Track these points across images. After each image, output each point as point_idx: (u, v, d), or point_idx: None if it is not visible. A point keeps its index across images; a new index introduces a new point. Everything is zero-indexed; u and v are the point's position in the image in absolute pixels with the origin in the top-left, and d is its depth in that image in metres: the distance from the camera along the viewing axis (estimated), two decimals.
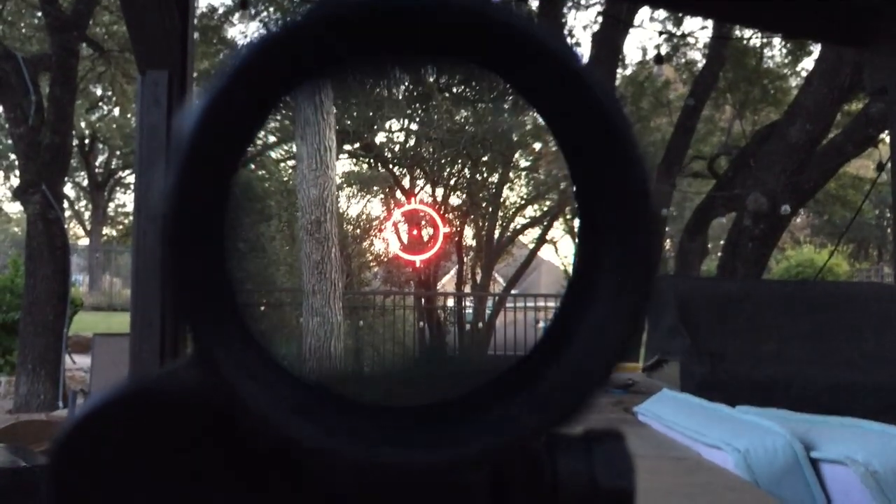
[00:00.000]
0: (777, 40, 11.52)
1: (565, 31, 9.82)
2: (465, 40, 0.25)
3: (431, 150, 11.39)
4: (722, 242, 10.61)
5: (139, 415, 0.31)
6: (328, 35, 0.25)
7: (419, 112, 11.49)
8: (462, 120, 11.14)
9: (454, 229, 11.23)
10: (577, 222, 0.28)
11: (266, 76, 0.25)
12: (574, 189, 0.27)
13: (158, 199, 0.24)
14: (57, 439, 0.30)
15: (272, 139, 11.12)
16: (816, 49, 8.71)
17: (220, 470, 0.31)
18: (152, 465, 0.31)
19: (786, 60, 12.73)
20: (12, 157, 15.79)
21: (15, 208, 21.97)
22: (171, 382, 0.33)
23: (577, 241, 0.28)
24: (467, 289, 11.41)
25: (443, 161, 11.54)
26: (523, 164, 11.98)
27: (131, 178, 20.95)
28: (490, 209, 11.79)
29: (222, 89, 0.25)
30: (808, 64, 11.71)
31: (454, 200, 11.93)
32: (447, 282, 13.76)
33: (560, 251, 14.21)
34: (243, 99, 0.25)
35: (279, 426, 0.25)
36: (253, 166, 10.84)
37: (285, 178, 10.69)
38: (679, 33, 12.08)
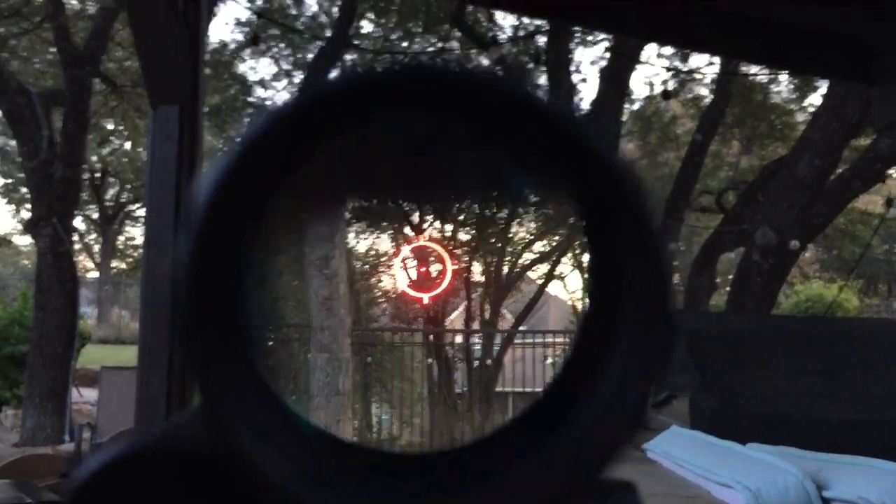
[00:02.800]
0: (784, 76, 11.57)
1: (571, 68, 9.89)
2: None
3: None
4: (731, 277, 10.57)
5: (146, 472, 0.30)
6: (344, 108, 0.25)
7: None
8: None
9: (462, 266, 11.24)
10: (590, 286, 0.28)
11: (279, 149, 0.26)
12: (589, 251, 0.27)
13: (176, 260, 0.25)
14: (67, 496, 0.30)
15: None
16: (824, 84, 8.75)
17: None
18: None
19: (793, 96, 12.78)
20: (23, 189, 15.92)
21: (25, 241, 22.11)
22: (179, 437, 0.32)
23: (589, 304, 0.28)
24: (475, 325, 11.38)
25: (451, 196, 11.57)
26: (532, 199, 12.01)
27: (141, 212, 21.07)
28: (498, 245, 11.80)
29: (237, 160, 0.25)
30: (815, 99, 11.75)
31: (463, 236, 11.95)
32: (456, 318, 13.73)
33: (568, 287, 14.19)
34: (259, 169, 0.26)
35: (291, 493, 0.24)
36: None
37: None
38: (686, 69, 12.14)
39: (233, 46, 12.16)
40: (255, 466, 0.25)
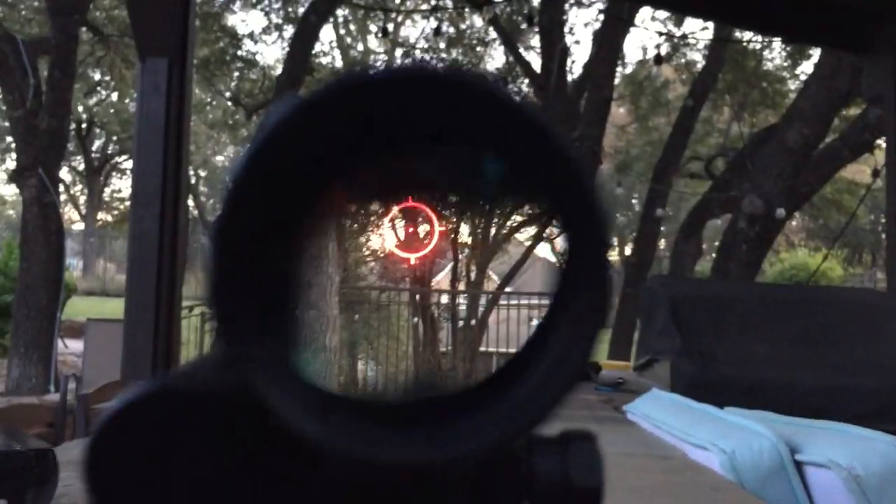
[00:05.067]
0: (777, 43, 11.52)
1: (565, 30, 9.81)
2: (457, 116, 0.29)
3: None
4: (717, 243, 10.64)
5: (167, 411, 0.33)
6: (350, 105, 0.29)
7: None
8: None
9: (449, 227, 11.25)
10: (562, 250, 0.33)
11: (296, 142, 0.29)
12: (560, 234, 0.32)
13: (216, 206, 0.28)
14: (93, 435, 0.33)
15: None
16: (816, 53, 8.73)
17: (243, 462, 0.34)
18: (181, 459, 0.33)
19: (785, 63, 12.74)
20: (9, 139, 15.75)
21: (10, 191, 21.94)
22: (195, 380, 0.36)
23: (558, 269, 0.33)
24: (461, 286, 11.43)
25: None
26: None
27: (128, 164, 20.91)
28: (486, 206, 11.79)
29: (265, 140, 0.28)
30: (807, 67, 11.72)
31: (450, 198, 11.92)
32: (442, 278, 13.78)
33: (557, 248, 14.22)
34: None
35: (297, 428, 0.28)
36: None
37: None
38: (679, 34, 12.07)
39: None
40: (269, 407, 0.28)
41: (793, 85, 12.40)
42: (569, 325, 0.30)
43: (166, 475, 0.33)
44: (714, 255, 9.64)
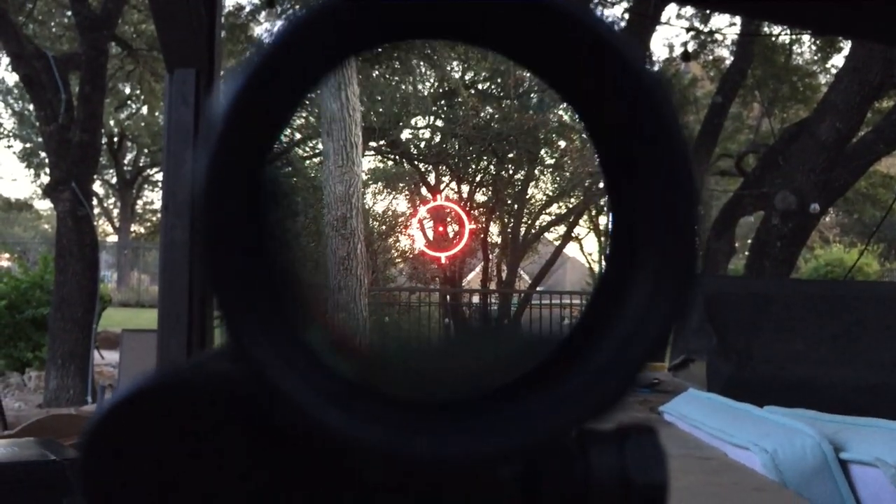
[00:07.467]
0: (806, 37, 11.38)
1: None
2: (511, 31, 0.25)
3: (457, 146, 11.40)
4: (749, 241, 10.51)
5: (168, 404, 0.31)
6: (354, 23, 0.25)
7: (445, 108, 11.51)
8: (488, 116, 11.14)
9: (480, 226, 11.24)
10: (609, 217, 0.28)
11: (299, 59, 0.25)
12: (607, 182, 0.27)
13: (192, 186, 0.24)
14: (87, 429, 0.30)
15: (298, 136, 11.17)
16: (847, 45, 8.60)
17: (248, 458, 0.31)
18: (181, 454, 0.31)
19: (815, 57, 12.58)
20: (43, 154, 16.00)
21: (45, 205, 22.28)
22: (200, 373, 0.33)
23: (611, 231, 0.28)
24: (492, 286, 11.41)
25: (468, 158, 11.55)
26: (549, 161, 11.94)
27: (159, 176, 21.15)
28: (515, 206, 11.79)
29: (254, 74, 0.25)
30: (837, 61, 11.56)
31: (480, 197, 11.95)
32: (472, 278, 13.77)
33: (585, 248, 14.19)
34: (276, 82, 0.25)
35: (315, 415, 0.25)
36: (279, 163, 10.88)
37: (312, 175, 10.76)
38: (706, 30, 11.97)
39: (248, 9, 12.10)
40: (282, 394, 0.25)
41: (823, 79, 12.25)
42: (642, 286, 0.26)
43: (167, 475, 0.30)
44: (747, 252, 9.53)
